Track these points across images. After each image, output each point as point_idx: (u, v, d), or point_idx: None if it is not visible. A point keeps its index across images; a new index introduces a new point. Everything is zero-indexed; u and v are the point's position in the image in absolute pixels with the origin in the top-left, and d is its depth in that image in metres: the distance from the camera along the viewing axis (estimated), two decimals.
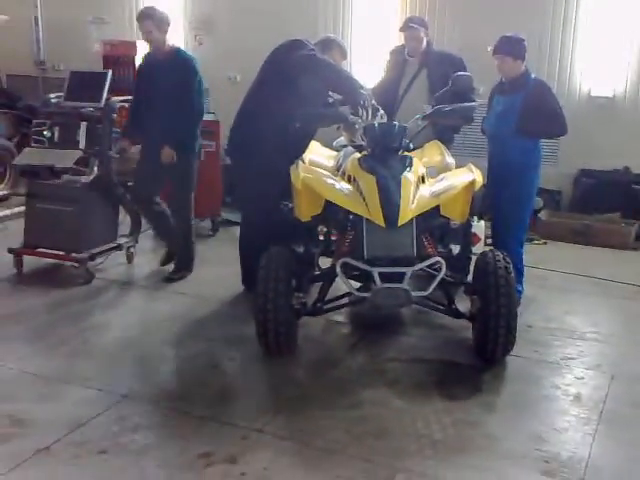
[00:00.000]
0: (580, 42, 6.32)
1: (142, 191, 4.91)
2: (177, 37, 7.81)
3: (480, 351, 3.67)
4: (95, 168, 5.03)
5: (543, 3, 6.34)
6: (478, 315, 3.62)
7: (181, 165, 4.73)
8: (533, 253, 5.66)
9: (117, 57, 7.47)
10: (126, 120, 5.12)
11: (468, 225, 3.97)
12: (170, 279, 4.86)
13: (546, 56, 6.41)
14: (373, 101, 4.23)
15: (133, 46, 7.54)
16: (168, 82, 4.65)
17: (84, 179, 4.97)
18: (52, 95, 5.40)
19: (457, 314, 3.78)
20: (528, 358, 3.76)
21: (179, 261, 4.97)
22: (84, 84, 5.13)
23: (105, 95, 4.97)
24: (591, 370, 3.67)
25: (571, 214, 6.31)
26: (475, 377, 3.56)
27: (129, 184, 6.34)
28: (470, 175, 3.78)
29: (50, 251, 4.87)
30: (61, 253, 4.86)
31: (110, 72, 5.17)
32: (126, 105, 5.78)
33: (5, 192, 6.93)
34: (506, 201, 4.28)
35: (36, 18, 8.42)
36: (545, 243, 5.99)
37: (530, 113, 4.19)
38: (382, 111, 4.16)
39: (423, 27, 4.95)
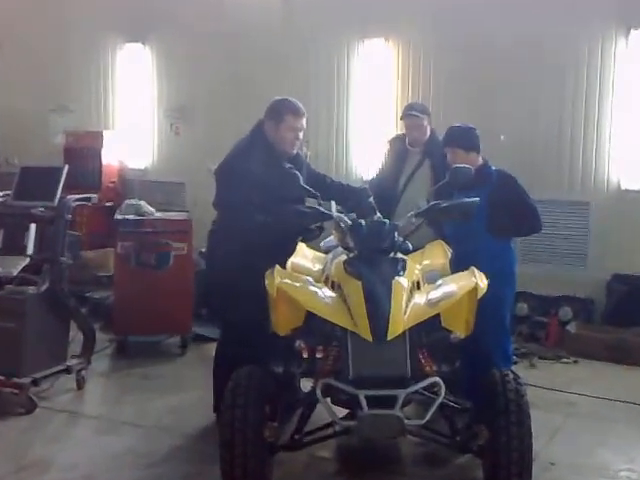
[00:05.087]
0: (610, 130, 6.51)
1: None
2: (153, 126, 8.22)
3: None
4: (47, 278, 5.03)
5: (565, 85, 6.64)
6: (486, 449, 3.59)
7: None
8: (561, 374, 5.69)
9: (81, 149, 7.82)
10: None
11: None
12: None
13: (568, 144, 6.65)
14: (370, 199, 4.37)
15: (99, 137, 7.92)
16: None
17: (32, 290, 5.04)
18: None
19: (462, 448, 3.74)
20: None
21: None
22: (36, 181, 5.27)
23: (59, 193, 5.10)
24: None
25: (604, 327, 6.36)
26: None
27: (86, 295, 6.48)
28: (473, 280, 3.83)
29: None
30: None
31: (66, 167, 5.37)
32: (86, 203, 5.97)
33: None
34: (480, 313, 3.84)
35: None
36: (575, 362, 6.01)
37: (499, 210, 4.32)
38: (379, 214, 4.22)
39: (425, 114, 5.22)
